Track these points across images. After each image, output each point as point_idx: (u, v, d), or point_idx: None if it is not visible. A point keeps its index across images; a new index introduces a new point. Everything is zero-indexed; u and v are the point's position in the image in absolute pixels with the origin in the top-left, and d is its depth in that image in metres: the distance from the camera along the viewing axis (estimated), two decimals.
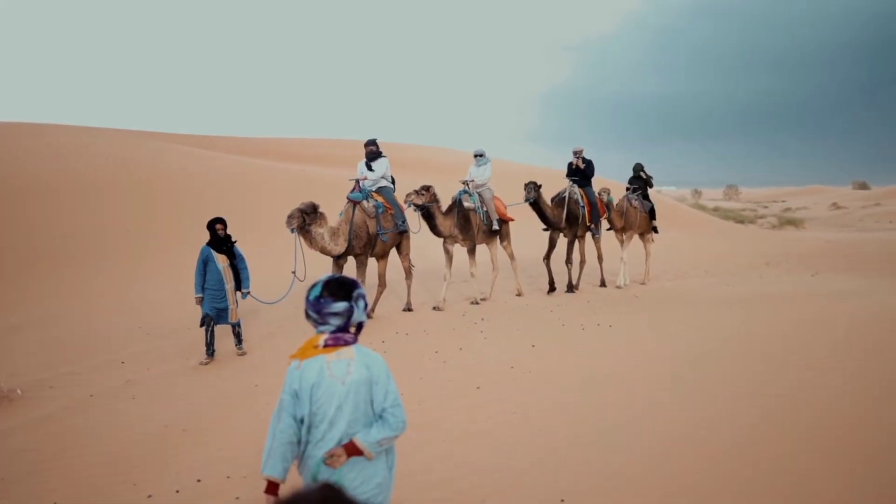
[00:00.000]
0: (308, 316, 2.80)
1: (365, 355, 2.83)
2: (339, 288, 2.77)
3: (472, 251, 10.88)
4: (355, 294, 2.78)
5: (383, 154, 10.30)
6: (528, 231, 14.31)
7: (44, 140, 17.81)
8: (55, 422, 6.25)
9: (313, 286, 2.80)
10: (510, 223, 11.46)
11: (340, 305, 2.75)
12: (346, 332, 2.81)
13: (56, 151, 16.68)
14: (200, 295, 7.87)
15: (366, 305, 2.84)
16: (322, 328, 2.80)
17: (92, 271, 12.25)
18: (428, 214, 10.19)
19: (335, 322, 2.77)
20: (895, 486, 4.16)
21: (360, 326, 2.88)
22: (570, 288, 11.91)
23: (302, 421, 2.80)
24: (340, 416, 2.74)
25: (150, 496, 4.72)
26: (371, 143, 10.15)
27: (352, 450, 2.74)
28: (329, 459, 2.73)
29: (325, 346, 2.78)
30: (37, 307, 10.71)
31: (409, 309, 10.20)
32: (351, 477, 2.76)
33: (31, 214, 13.26)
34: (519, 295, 11.29)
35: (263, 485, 2.85)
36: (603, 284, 12.65)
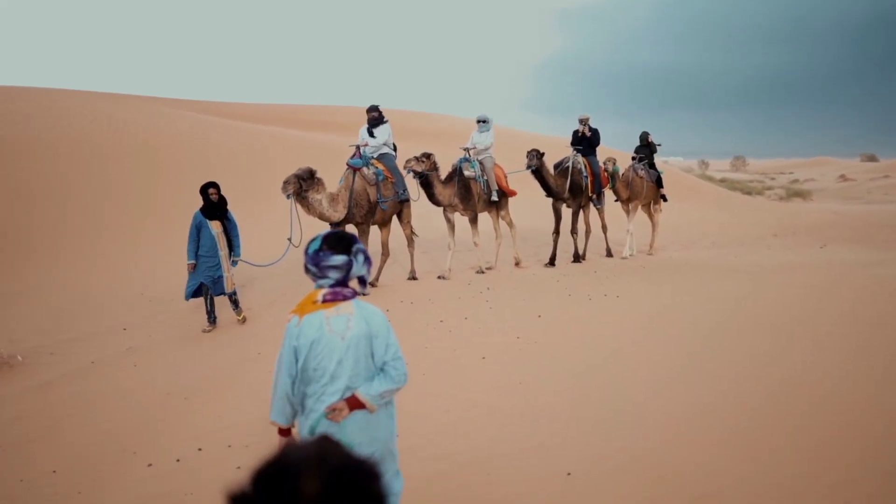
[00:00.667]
0: (307, 270, 2.81)
1: (364, 310, 2.85)
2: (339, 242, 2.79)
3: (473, 220, 10.64)
4: (354, 248, 2.80)
5: (385, 120, 10.08)
6: (531, 201, 14.13)
7: (47, 103, 17.58)
8: (55, 389, 6.21)
9: (313, 240, 2.82)
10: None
11: (339, 258, 2.76)
12: (345, 287, 2.82)
13: (58, 114, 16.46)
14: (193, 262, 7.73)
15: (365, 259, 2.83)
16: (321, 282, 2.81)
17: (94, 237, 12.16)
18: (426, 183, 9.90)
19: (334, 275, 2.79)
20: (892, 478, 4.04)
21: (362, 281, 2.90)
22: (577, 258, 11.80)
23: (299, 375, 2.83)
24: (341, 371, 2.77)
25: (150, 465, 4.68)
26: (373, 108, 9.92)
27: (354, 403, 2.76)
28: (331, 414, 2.75)
29: (324, 301, 2.79)
30: (37, 273, 10.64)
31: (413, 278, 10.10)
32: (355, 432, 2.77)
33: (32, 178, 13.12)
34: (517, 264, 11.11)
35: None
36: (609, 255, 12.53)
